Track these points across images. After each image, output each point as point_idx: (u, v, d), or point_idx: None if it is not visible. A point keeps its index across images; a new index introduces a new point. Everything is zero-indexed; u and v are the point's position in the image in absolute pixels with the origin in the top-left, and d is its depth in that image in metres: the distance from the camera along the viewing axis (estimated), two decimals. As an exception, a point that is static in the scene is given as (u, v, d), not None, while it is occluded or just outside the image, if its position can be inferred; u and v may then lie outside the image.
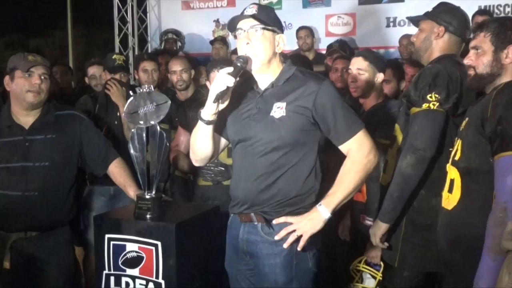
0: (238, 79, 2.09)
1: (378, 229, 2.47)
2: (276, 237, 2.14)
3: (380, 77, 3.10)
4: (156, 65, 4.30)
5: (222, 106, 2.14)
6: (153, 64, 4.25)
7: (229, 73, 2.06)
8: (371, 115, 3.07)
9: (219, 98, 2.07)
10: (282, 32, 2.22)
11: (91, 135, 2.90)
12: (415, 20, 2.70)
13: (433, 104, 2.34)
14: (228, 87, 2.06)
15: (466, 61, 2.18)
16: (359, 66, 3.11)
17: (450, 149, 2.26)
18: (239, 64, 2.09)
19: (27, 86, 2.68)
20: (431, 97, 2.34)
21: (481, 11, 5.42)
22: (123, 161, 2.88)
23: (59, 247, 2.83)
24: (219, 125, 2.25)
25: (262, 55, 2.15)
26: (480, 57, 2.13)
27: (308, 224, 2.11)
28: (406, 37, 5.27)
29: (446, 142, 2.39)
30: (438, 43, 2.55)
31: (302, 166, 2.16)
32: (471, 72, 2.16)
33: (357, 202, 3.16)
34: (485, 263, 1.90)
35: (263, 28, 2.14)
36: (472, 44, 2.17)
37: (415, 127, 2.37)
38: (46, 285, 2.80)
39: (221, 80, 2.06)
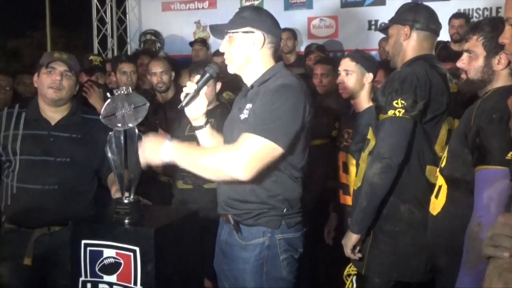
0: (206, 86, 2.18)
1: (349, 240, 2.42)
2: None
3: (369, 77, 3.07)
4: (134, 67, 4.25)
5: (199, 112, 2.21)
6: (131, 66, 4.21)
7: (197, 81, 2.15)
8: (364, 117, 3.04)
9: (184, 104, 2.16)
10: (264, 29, 2.17)
11: None
12: (384, 30, 2.69)
13: (399, 111, 2.29)
14: (187, 94, 2.15)
15: (459, 64, 2.13)
16: (346, 67, 3.09)
17: (441, 154, 2.23)
18: (208, 73, 2.16)
19: (48, 82, 2.72)
20: (397, 103, 2.29)
21: (457, 14, 5.44)
22: None
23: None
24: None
25: (235, 58, 2.18)
26: (472, 62, 2.07)
27: (149, 145, 2.07)
28: (385, 39, 5.24)
29: (415, 149, 2.36)
30: (409, 44, 2.51)
31: (269, 168, 2.07)
32: (464, 76, 2.11)
33: (345, 205, 3.14)
34: (460, 277, 1.89)
35: (232, 33, 2.16)
36: (465, 47, 2.12)
37: (381, 134, 2.33)
38: (53, 284, 2.79)
39: (186, 87, 2.16)
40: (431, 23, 2.52)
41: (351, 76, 3.06)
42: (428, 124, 2.36)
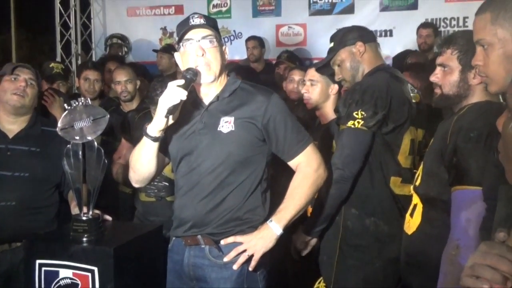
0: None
1: (297, 239, 2.46)
2: (225, 259, 2.04)
3: (334, 88, 2.98)
4: (99, 75, 4.13)
5: (171, 121, 2.02)
6: (96, 74, 4.08)
7: (179, 86, 1.95)
8: (329, 129, 2.97)
9: (171, 112, 1.95)
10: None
11: None
12: (324, 64, 2.65)
13: (358, 122, 2.29)
14: (181, 101, 1.95)
15: (432, 79, 2.07)
16: (311, 77, 3.02)
17: (415, 170, 2.19)
18: (188, 77, 1.99)
19: (12, 88, 2.66)
20: (357, 114, 2.30)
21: (425, 24, 5.50)
22: None
23: None
24: (161, 142, 2.11)
25: (215, 67, 2.06)
26: (446, 76, 2.00)
27: (259, 242, 2.02)
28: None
29: (377, 160, 2.35)
30: (365, 59, 2.50)
31: (251, 182, 2.07)
32: (438, 90, 2.05)
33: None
34: None
35: (216, 39, 2.06)
36: (438, 60, 2.05)
37: (339, 145, 2.34)
38: None
39: (172, 93, 1.94)
40: (370, 33, 2.57)
41: (316, 86, 2.99)
42: (389, 135, 2.35)
